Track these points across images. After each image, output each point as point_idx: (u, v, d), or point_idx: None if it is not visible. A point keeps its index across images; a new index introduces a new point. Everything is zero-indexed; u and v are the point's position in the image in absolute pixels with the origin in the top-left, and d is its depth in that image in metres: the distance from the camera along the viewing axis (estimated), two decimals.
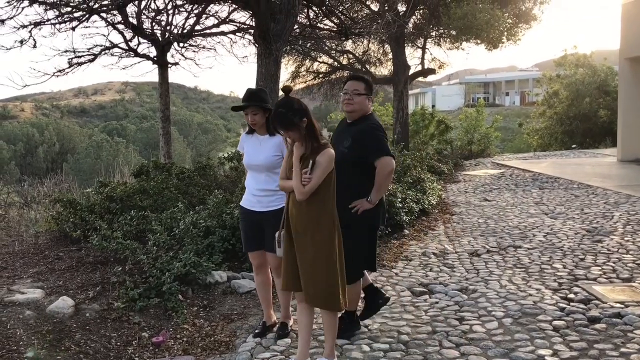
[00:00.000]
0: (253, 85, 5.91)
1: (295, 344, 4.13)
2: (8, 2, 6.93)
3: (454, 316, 4.61)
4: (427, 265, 6.18)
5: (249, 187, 4.24)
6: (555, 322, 4.35)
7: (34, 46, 8.03)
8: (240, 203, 4.31)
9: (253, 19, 8.76)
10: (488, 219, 8.59)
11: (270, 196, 4.12)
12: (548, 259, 6.22)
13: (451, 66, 21.57)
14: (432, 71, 18.02)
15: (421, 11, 16.34)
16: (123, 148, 59.14)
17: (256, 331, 4.30)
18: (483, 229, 7.87)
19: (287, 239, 3.68)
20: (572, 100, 24.93)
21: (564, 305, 4.71)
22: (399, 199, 7.80)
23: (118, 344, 4.15)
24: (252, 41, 9.97)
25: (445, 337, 4.18)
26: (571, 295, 4.97)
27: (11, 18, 7.37)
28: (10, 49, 7.60)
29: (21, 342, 3.95)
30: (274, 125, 3.62)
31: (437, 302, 4.98)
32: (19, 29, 7.73)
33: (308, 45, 12.65)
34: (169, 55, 9.54)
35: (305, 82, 18.27)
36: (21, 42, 7.88)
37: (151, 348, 4.15)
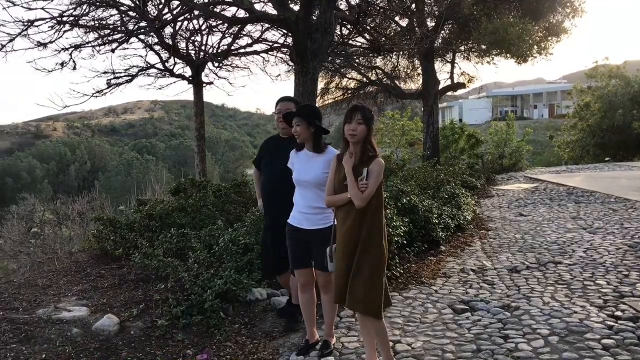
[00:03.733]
0: None
1: None
2: (51, 27, 7.12)
3: (498, 334, 4.55)
4: (466, 282, 6.12)
5: (297, 205, 4.25)
6: (605, 341, 4.25)
7: (74, 68, 8.22)
8: (288, 220, 4.33)
9: (286, 38, 8.87)
10: (525, 234, 8.47)
11: (318, 214, 4.13)
12: (590, 275, 6.10)
13: (480, 80, 21.44)
14: (461, 85, 17.95)
15: (450, 26, 16.32)
16: (153, 165, 60.05)
17: (299, 349, 4.29)
18: (520, 245, 7.76)
19: (338, 253, 3.76)
20: (604, 112, 24.55)
21: (612, 323, 4.61)
22: (435, 215, 7.75)
23: None
24: (285, 59, 10.10)
25: (490, 355, 4.12)
26: (618, 313, 4.86)
27: (53, 42, 7.54)
28: (51, 71, 7.81)
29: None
30: (361, 109, 3.72)
31: (479, 320, 4.92)
32: (60, 51, 7.92)
33: (338, 61, 12.72)
34: (203, 74, 9.70)
35: (334, 98, 18.33)
36: (62, 64, 8.07)
37: None
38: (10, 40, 7.24)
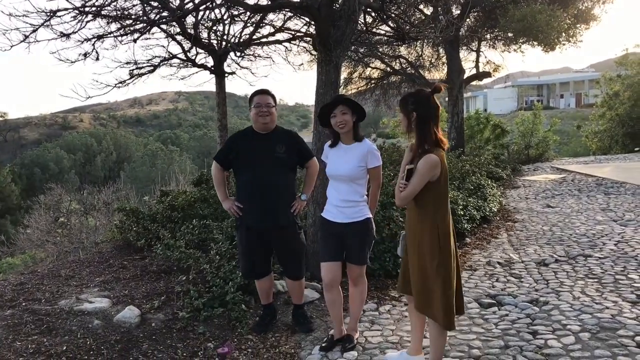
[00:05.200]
0: (310, 93, 5.90)
1: (361, 357, 4.04)
2: (73, 17, 7.10)
3: (526, 330, 4.41)
4: (492, 276, 5.98)
5: (331, 198, 4.14)
6: (638, 338, 4.09)
7: (97, 59, 8.20)
8: (322, 214, 4.23)
9: (309, 27, 8.75)
10: (553, 226, 8.27)
11: (353, 207, 4.02)
12: (622, 269, 5.92)
13: (506, 69, 21.03)
14: (487, 74, 17.60)
15: (476, 13, 15.99)
16: (177, 156, 60.49)
17: (323, 344, 4.20)
18: (549, 237, 7.57)
19: (404, 246, 3.69)
20: (635, 101, 23.95)
21: None
22: (460, 207, 7.59)
23: (184, 354, 4.14)
24: (307, 49, 9.97)
25: (519, 352, 4.00)
26: None
27: (75, 32, 7.53)
28: (74, 62, 7.79)
29: (91, 352, 3.98)
30: (402, 98, 3.54)
31: (507, 315, 4.78)
32: (82, 42, 7.89)
33: (361, 51, 12.53)
34: (225, 64, 9.62)
35: (357, 88, 18.12)
36: (85, 55, 8.05)
37: (217, 359, 4.11)
38: (34, 31, 7.22)
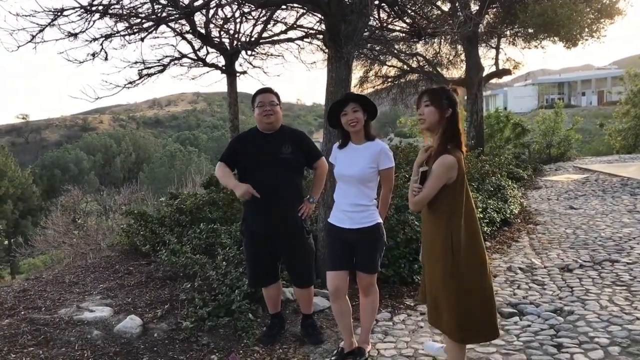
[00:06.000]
0: (322, 91, 5.63)
1: None
2: (79, 16, 6.94)
3: (550, 342, 4.12)
4: (514, 282, 5.68)
5: (338, 202, 3.88)
6: None
7: (106, 58, 8.05)
8: (329, 219, 3.97)
9: (322, 24, 8.50)
10: (577, 229, 7.93)
11: (362, 212, 3.75)
12: None
13: (526, 66, 20.60)
14: (507, 72, 17.22)
15: (495, 9, 15.62)
16: (195, 157, 60.72)
17: (332, 358, 3.95)
18: (572, 241, 7.24)
19: (422, 254, 3.44)
20: None
21: None
22: (480, 209, 7.29)
23: None
24: (320, 46, 9.73)
25: None
26: None
27: (83, 32, 7.38)
28: (82, 62, 7.65)
29: None
30: (430, 91, 3.27)
31: (529, 325, 4.49)
32: (90, 42, 7.75)
33: (377, 48, 12.26)
34: (237, 64, 9.41)
35: (373, 87, 17.83)
36: (93, 55, 7.91)
37: None
38: (40, 31, 7.09)
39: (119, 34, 7.46)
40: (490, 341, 3.35)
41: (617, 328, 4.28)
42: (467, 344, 3.33)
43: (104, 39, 7.73)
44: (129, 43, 7.61)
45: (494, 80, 18.53)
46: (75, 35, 7.36)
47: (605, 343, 4.02)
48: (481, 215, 7.26)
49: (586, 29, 14.23)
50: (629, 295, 5.05)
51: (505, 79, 18.72)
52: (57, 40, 7.49)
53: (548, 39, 15.03)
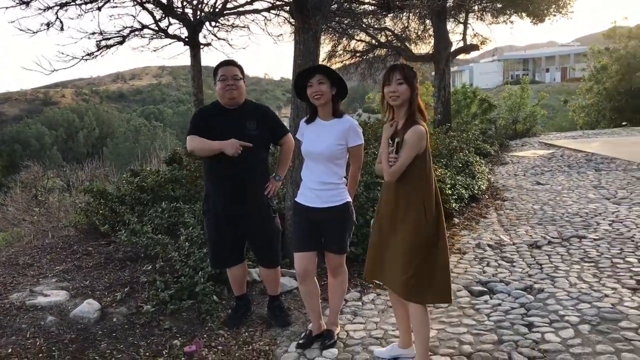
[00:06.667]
0: (290, 65, 5.42)
1: (342, 355, 3.67)
2: None
3: (521, 321, 4.06)
4: (483, 259, 5.63)
5: (306, 180, 3.70)
6: None
7: (61, 29, 7.67)
8: (296, 198, 3.80)
9: None
10: (544, 204, 7.95)
11: (331, 190, 3.60)
12: (619, 251, 5.59)
13: (494, 42, 20.60)
14: (474, 47, 17.16)
15: None
16: (160, 132, 59.64)
17: (300, 341, 3.82)
18: (540, 217, 7.25)
19: (377, 227, 3.40)
20: (622, 75, 23.68)
21: None
22: (448, 185, 7.22)
23: (147, 354, 3.74)
24: (288, 19, 9.45)
25: (514, 348, 3.64)
26: None
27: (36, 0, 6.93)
28: (36, 32, 7.28)
29: (40, 354, 3.57)
30: (401, 68, 3.21)
31: (499, 304, 4.43)
32: (44, 10, 7.36)
33: (346, 22, 12.01)
34: (201, 35, 9.09)
35: (342, 62, 17.58)
36: (47, 24, 7.52)
37: (183, 359, 3.73)
38: None
39: (74, 3, 7.09)
40: (447, 304, 3.53)
41: (586, 306, 4.24)
42: (428, 304, 3.40)
43: (58, 7, 7.35)
44: (86, 12, 7.25)
45: (461, 56, 18.48)
46: (27, 3, 6.97)
47: (575, 321, 3.97)
48: (450, 192, 7.19)
49: (553, 5, 14.24)
50: (597, 272, 5.04)
51: (472, 54, 18.67)
52: (7, 8, 7.10)
53: (516, 14, 15.00)
